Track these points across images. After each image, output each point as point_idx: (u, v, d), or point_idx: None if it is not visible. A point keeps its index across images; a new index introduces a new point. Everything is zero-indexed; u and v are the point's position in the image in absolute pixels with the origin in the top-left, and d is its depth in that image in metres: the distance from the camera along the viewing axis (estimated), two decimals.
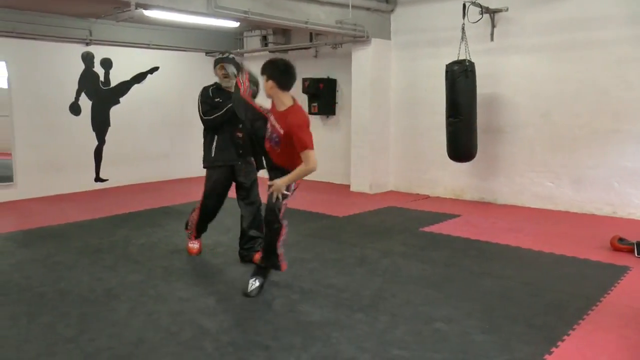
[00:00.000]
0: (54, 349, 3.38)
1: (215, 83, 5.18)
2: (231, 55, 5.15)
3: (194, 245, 5.45)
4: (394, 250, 5.55)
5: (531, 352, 3.31)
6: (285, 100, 4.06)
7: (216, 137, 5.06)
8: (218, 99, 5.03)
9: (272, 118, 4.14)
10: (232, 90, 4.69)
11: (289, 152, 4.04)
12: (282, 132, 3.99)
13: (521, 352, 3.31)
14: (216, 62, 5.09)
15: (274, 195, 4.02)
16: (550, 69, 7.38)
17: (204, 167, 5.20)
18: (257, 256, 4.74)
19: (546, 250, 5.52)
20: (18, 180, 8.39)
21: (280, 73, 4.00)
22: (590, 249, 5.57)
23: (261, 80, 4.13)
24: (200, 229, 5.44)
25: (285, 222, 4.20)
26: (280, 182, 4.00)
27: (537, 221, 6.87)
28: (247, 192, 5.13)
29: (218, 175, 5.11)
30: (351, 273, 4.84)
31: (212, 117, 5.00)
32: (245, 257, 5.10)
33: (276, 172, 4.15)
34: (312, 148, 3.92)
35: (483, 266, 5.05)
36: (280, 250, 4.28)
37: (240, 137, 4.97)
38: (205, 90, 5.16)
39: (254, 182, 5.15)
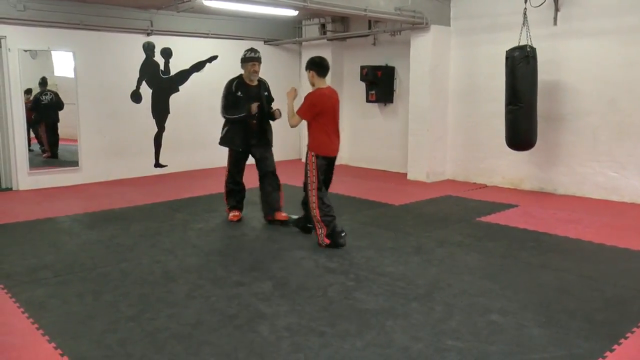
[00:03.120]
0: (116, 326, 3.52)
1: (238, 77, 6.08)
2: (258, 54, 6.06)
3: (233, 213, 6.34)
4: (450, 240, 5.49)
5: (590, 348, 3.21)
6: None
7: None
8: (239, 93, 5.98)
9: None
10: (256, 81, 6.04)
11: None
12: None
13: (580, 348, 3.23)
14: (249, 60, 5.97)
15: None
16: (618, 53, 7.07)
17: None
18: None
19: (608, 244, 5.33)
20: (83, 164, 8.73)
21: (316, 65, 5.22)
22: None
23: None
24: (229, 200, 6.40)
25: None
26: (293, 92, 5.45)
27: (599, 213, 6.63)
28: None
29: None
30: (407, 262, 4.82)
31: (228, 116, 6.07)
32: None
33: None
34: (300, 114, 5.18)
35: (541, 258, 4.93)
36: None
37: (255, 125, 6.06)
38: (229, 83, 6.08)
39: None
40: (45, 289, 4.17)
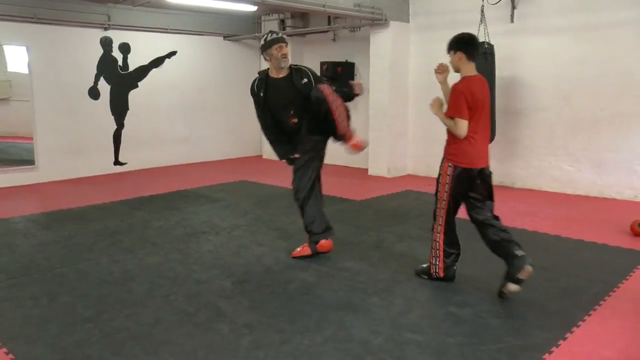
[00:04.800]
0: (73, 328, 3.45)
1: (260, 73, 4.78)
2: (281, 34, 4.72)
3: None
4: (411, 234, 5.55)
5: (545, 337, 3.30)
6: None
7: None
8: (262, 94, 4.68)
9: None
10: (286, 70, 4.60)
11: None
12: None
13: (536, 337, 3.31)
14: (272, 43, 4.56)
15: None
16: (572, 50, 7.26)
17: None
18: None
19: (564, 235, 5.47)
20: (39, 163, 8.51)
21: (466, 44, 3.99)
22: (609, 233, 5.52)
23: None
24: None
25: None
26: (437, 103, 4.03)
27: (555, 205, 6.80)
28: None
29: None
30: (367, 257, 4.85)
31: (263, 129, 4.88)
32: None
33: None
34: (453, 114, 3.86)
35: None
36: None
37: (296, 122, 4.69)
38: (252, 86, 4.79)
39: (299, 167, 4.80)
40: None
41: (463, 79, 3.94)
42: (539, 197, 7.26)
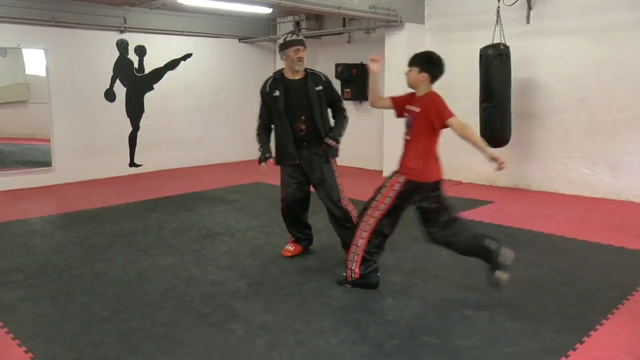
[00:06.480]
0: (90, 328, 3.48)
1: (275, 73, 4.75)
2: (301, 36, 4.69)
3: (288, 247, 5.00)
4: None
5: (562, 341, 3.27)
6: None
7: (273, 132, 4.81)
8: (276, 92, 4.59)
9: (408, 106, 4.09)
10: (301, 74, 4.57)
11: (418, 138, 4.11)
12: (417, 110, 3.94)
13: (552, 340, 3.28)
14: (291, 44, 4.54)
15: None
16: (589, 51, 7.19)
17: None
18: None
19: (580, 238, 5.42)
20: (56, 165, 8.60)
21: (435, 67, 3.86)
22: (627, 237, 5.45)
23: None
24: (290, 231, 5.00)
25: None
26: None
27: (572, 208, 6.74)
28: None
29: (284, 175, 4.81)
30: (382, 259, 4.80)
31: (257, 132, 4.95)
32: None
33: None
34: (455, 117, 3.90)
35: (515, 253, 4.95)
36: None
37: (304, 129, 4.61)
38: (263, 84, 4.74)
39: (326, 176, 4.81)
40: (16, 292, 4.10)
41: (431, 91, 3.91)
42: (555, 200, 7.20)
